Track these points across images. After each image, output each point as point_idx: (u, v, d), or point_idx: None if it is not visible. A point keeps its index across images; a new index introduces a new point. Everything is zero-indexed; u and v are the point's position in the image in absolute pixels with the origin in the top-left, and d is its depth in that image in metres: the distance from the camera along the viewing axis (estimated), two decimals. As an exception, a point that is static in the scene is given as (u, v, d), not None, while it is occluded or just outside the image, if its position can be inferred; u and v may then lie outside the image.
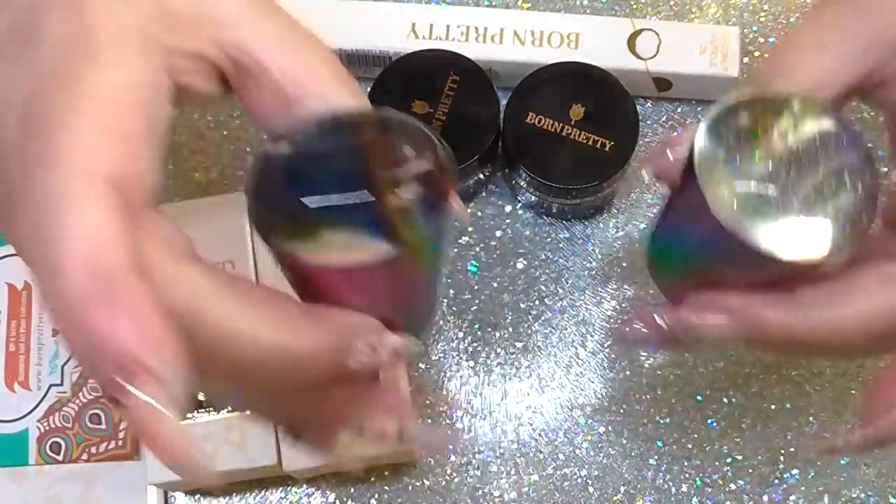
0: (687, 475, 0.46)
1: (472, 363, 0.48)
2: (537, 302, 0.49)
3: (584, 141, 0.46)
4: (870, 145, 0.30)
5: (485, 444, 0.47)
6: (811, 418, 0.47)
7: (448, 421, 0.47)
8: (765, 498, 0.46)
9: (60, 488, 0.47)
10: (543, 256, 0.49)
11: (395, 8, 0.51)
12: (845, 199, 0.29)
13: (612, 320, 0.48)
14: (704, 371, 0.48)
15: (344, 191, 0.28)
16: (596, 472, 0.47)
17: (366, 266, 0.27)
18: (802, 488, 0.46)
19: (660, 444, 0.47)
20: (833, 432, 0.46)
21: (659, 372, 0.48)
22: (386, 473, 0.47)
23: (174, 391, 0.24)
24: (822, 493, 0.46)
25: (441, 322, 0.48)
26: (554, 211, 0.49)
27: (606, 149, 0.46)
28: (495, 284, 0.49)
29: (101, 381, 0.24)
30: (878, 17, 0.31)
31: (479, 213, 0.50)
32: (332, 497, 0.47)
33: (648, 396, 0.47)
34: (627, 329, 0.33)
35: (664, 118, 0.51)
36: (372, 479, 0.47)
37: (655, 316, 0.32)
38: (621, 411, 0.47)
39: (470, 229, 0.49)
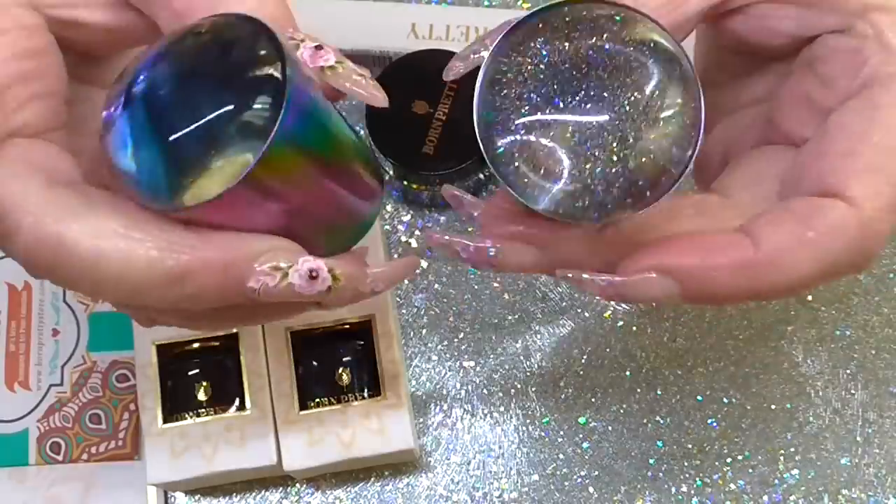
0: (687, 475, 0.46)
1: (472, 363, 0.48)
2: (537, 302, 0.49)
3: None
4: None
5: (485, 444, 0.47)
6: (811, 418, 0.47)
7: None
8: (765, 498, 0.46)
9: (60, 488, 0.47)
10: (543, 256, 0.49)
11: (395, 8, 0.51)
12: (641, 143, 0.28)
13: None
14: (704, 371, 0.48)
15: (203, 114, 0.27)
16: (596, 472, 0.47)
17: (246, 183, 0.26)
18: (802, 488, 0.46)
19: (660, 444, 0.47)
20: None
21: (659, 372, 0.48)
22: (386, 473, 0.47)
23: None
24: (822, 493, 0.46)
25: (441, 322, 0.48)
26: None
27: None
28: (495, 284, 0.49)
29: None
30: None
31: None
32: (332, 497, 0.47)
33: (648, 396, 0.47)
34: (447, 239, 0.33)
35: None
36: (372, 479, 0.47)
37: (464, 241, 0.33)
38: (621, 411, 0.47)
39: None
